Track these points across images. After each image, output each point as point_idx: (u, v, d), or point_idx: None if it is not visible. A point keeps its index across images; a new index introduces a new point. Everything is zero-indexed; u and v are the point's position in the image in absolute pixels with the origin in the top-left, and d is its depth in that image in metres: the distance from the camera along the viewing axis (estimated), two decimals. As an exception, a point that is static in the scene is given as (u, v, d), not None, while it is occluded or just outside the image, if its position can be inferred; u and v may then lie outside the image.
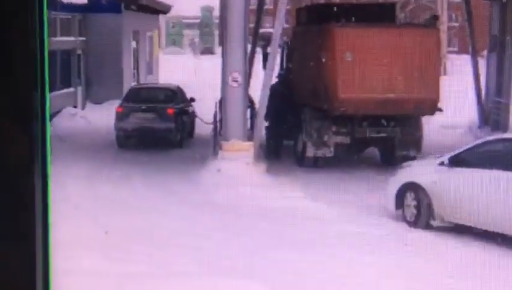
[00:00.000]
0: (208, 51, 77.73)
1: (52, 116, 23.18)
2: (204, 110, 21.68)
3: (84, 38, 28.63)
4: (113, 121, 20.39)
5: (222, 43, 17.84)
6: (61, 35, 26.36)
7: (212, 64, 27.63)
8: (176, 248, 10.41)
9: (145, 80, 33.31)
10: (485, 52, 25.79)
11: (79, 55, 28.32)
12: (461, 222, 11.59)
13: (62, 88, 26.27)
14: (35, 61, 1.97)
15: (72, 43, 27.63)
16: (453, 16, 54.15)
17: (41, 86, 1.99)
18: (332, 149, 17.35)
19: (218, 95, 17.93)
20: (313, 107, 17.67)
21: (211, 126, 19.49)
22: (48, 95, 1.99)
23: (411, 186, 12.32)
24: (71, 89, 27.44)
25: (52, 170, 2.03)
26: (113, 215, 12.28)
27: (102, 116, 23.46)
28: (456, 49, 53.80)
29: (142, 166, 17.30)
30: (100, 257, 9.59)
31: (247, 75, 17.61)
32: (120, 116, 20.32)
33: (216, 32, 78.99)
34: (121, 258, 9.67)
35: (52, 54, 24.56)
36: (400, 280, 9.36)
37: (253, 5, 25.67)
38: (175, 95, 21.42)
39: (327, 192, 14.52)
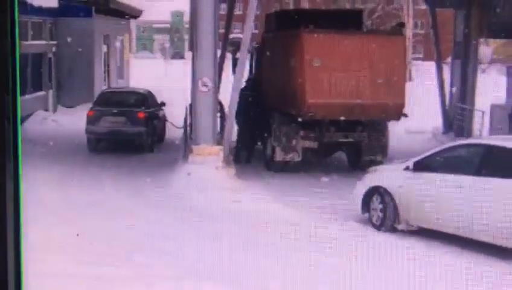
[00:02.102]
0: (178, 55, 77.52)
1: (23, 119, 23.13)
2: (175, 114, 21.71)
3: (55, 42, 28.57)
4: (84, 125, 20.41)
5: (192, 48, 17.87)
6: (33, 39, 26.28)
7: (182, 69, 27.62)
8: (146, 251, 10.40)
9: (116, 84, 33.27)
10: (449, 59, 26.12)
11: (50, 59, 28.24)
12: (425, 226, 11.70)
13: (33, 91, 26.19)
14: (6, 64, 2.00)
15: (44, 46, 27.54)
16: (419, 23, 54.60)
17: (12, 89, 2.03)
18: (300, 153, 17.47)
19: (189, 100, 17.95)
20: (282, 112, 17.76)
21: (182, 130, 19.55)
22: (19, 99, 2.05)
23: (377, 190, 12.41)
24: (42, 93, 27.37)
25: (23, 173, 2.07)
26: (83, 218, 12.25)
27: (73, 120, 23.39)
28: (421, 55, 54.23)
29: (112, 170, 17.26)
30: (71, 259, 9.53)
31: (217, 80, 17.66)
32: (91, 120, 20.30)
33: (186, 37, 78.84)
34: (92, 261, 9.63)
35: (23, 57, 24.50)
36: (363, 282, 9.45)
37: (223, 11, 25.78)
38: (146, 99, 21.41)
39: (295, 196, 14.60)
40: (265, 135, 18.14)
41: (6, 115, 2.01)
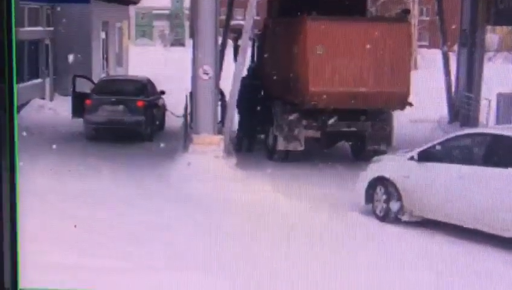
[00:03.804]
0: (178, 42, 77.62)
1: (19, 107, 22.99)
2: (175, 103, 21.65)
3: (53, 29, 28.42)
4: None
5: (192, 35, 17.76)
6: (29, 25, 26.13)
7: (182, 56, 27.58)
8: (145, 242, 10.42)
9: (115, 71, 33.16)
10: (455, 47, 26.01)
11: (47, 46, 28.11)
12: (430, 217, 11.71)
13: (30, 79, 26.08)
14: (2, 52, 1.95)
15: (40, 33, 27.40)
16: (424, 10, 54.61)
17: (9, 77, 1.98)
18: (303, 143, 17.42)
19: (189, 88, 17.90)
20: (284, 101, 17.72)
21: (182, 119, 19.46)
22: (15, 87, 1.97)
23: (381, 181, 12.41)
24: (39, 80, 27.24)
25: (20, 163, 1.99)
26: (81, 208, 12.27)
27: (70, 108, 23.32)
28: (427, 43, 54.26)
29: (111, 159, 17.23)
30: (68, 250, 9.59)
31: (218, 68, 17.57)
32: (89, 109, 20.25)
33: (186, 24, 78.85)
34: (90, 251, 9.67)
35: (19, 44, 24.34)
36: (366, 273, 9.44)
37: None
38: (145, 87, 21.36)
39: (297, 186, 14.56)
40: (267, 124, 18.05)
41: (2, 105, 1.90)
